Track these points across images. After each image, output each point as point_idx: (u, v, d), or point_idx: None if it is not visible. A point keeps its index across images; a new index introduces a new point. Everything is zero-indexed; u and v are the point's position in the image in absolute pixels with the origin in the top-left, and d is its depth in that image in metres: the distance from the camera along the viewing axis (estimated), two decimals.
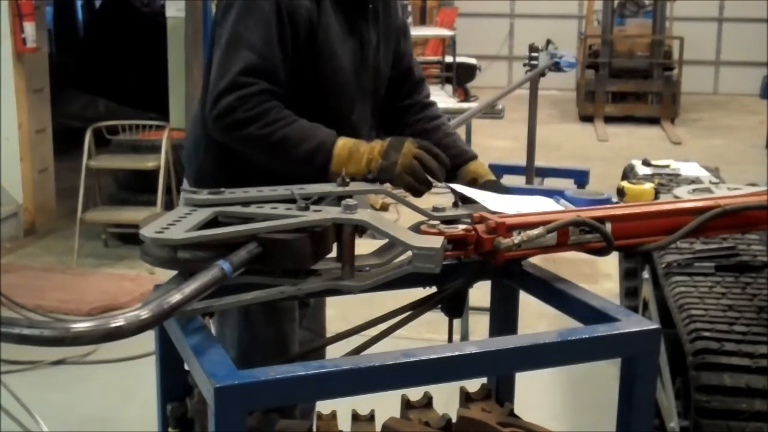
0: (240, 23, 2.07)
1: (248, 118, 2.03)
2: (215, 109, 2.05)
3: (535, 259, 1.95)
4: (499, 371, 1.95)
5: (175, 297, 1.46)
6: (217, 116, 2.05)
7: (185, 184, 2.29)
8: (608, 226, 1.87)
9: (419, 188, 2.04)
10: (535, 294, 1.94)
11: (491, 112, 10.56)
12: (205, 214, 1.69)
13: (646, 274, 3.45)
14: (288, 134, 2.04)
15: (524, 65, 5.10)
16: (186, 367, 1.73)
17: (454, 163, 2.27)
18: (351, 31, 2.20)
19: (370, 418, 1.95)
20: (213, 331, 2.28)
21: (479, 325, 4.16)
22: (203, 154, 2.26)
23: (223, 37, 2.09)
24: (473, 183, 2.24)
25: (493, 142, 9.29)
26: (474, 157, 2.35)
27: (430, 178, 2.06)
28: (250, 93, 2.03)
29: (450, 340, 4.04)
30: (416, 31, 11.62)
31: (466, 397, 1.99)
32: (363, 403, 1.78)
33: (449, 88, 9.86)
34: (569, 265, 4.06)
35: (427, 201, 1.92)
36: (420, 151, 2.02)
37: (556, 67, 4.96)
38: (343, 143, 2.05)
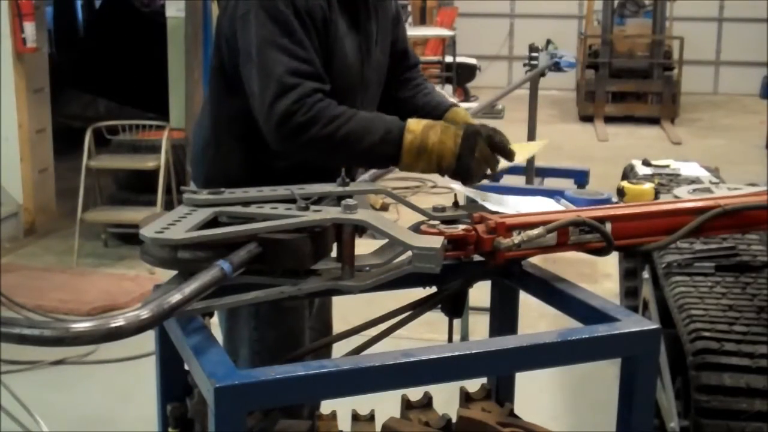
0: (264, 29, 2.03)
1: (308, 120, 1.98)
2: (273, 118, 1.99)
3: (535, 259, 1.95)
4: (499, 371, 1.95)
5: (175, 297, 1.46)
6: (277, 124, 1.99)
7: (192, 186, 2.28)
8: (608, 226, 1.87)
9: (480, 179, 2.09)
10: (535, 294, 1.94)
11: (491, 112, 10.56)
12: (205, 214, 1.69)
13: (646, 274, 3.45)
14: (351, 130, 2.01)
15: (524, 65, 5.10)
16: (186, 367, 1.73)
17: (434, 117, 2.34)
18: (355, 26, 2.20)
19: (370, 418, 1.95)
20: (221, 330, 2.28)
21: (479, 325, 4.16)
22: (212, 157, 2.25)
23: (251, 48, 2.05)
24: None
25: None
26: (450, 106, 2.40)
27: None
28: (303, 94, 1.99)
29: (450, 340, 4.04)
30: (416, 31, 11.62)
31: (466, 397, 1.99)
32: (363, 403, 1.78)
33: (449, 88, 9.88)
34: (569, 265, 4.06)
35: (427, 201, 1.92)
36: (490, 154, 2.04)
37: (556, 67, 4.96)
38: (411, 139, 2.01)
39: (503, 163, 2.12)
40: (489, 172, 2.07)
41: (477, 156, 2.00)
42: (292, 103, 1.98)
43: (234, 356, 2.21)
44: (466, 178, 2.04)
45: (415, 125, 2.04)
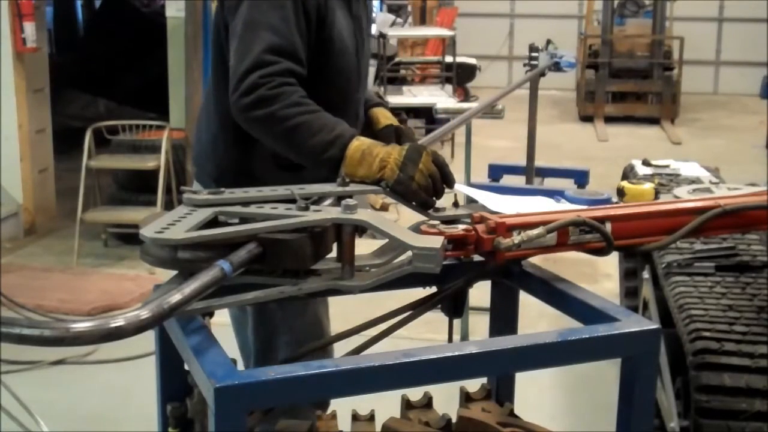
0: (254, 9, 2.06)
1: (272, 96, 1.99)
2: (239, 89, 2.01)
3: (535, 259, 1.95)
4: (499, 371, 1.95)
5: (175, 297, 1.45)
6: (241, 94, 2.01)
7: (195, 185, 2.28)
8: (608, 226, 1.87)
9: (429, 205, 1.94)
10: (535, 294, 1.94)
11: (491, 112, 10.54)
12: (205, 214, 1.69)
13: (646, 274, 3.45)
14: (308, 120, 2.00)
15: (524, 65, 5.10)
16: (186, 367, 1.73)
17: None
18: (350, 12, 2.25)
19: (370, 418, 1.95)
20: (235, 326, 2.31)
21: (479, 325, 4.16)
22: (224, 150, 2.25)
23: (237, 27, 2.08)
24: (374, 134, 2.31)
25: (493, 142, 9.30)
26: (374, 105, 2.41)
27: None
28: (274, 71, 2.00)
29: (450, 340, 4.03)
30: (416, 31, 11.64)
31: (466, 397, 1.99)
32: (363, 403, 1.78)
33: (449, 88, 9.86)
34: (569, 265, 4.06)
35: None
36: (436, 170, 1.94)
37: (556, 67, 4.97)
38: (357, 144, 1.98)
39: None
40: (433, 196, 1.93)
41: (421, 168, 1.91)
42: (260, 77, 1.99)
43: (266, 347, 2.25)
44: (406, 191, 1.90)
45: (366, 138, 2.02)
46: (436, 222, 1.84)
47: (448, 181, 1.96)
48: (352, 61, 2.25)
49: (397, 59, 10.70)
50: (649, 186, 2.35)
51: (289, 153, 2.06)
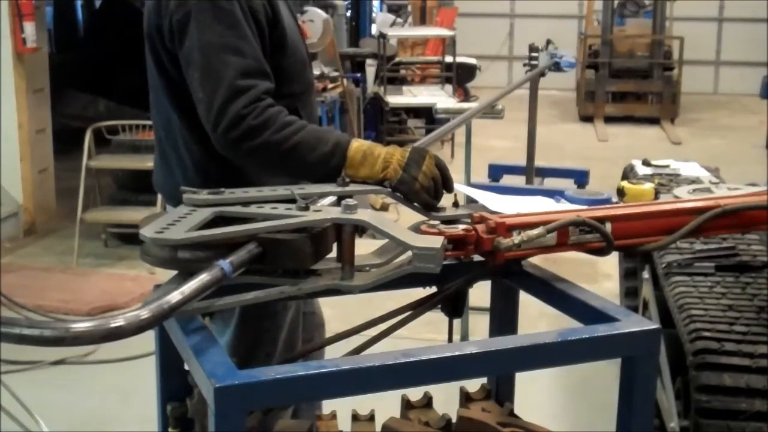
0: (206, 32, 1.99)
1: (260, 124, 1.95)
2: (222, 123, 1.95)
3: (535, 259, 1.95)
4: (499, 371, 1.95)
5: (175, 297, 1.46)
6: (226, 129, 1.95)
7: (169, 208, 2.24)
8: (608, 226, 1.87)
9: (433, 206, 1.95)
10: (535, 294, 1.94)
11: (491, 112, 10.51)
12: (205, 214, 1.69)
13: (646, 274, 3.45)
14: (303, 138, 1.97)
15: (524, 65, 5.11)
16: (186, 367, 1.73)
17: None
18: (288, 7, 2.26)
19: (370, 418, 1.95)
20: (230, 332, 2.29)
21: (479, 325, 4.16)
22: (216, 174, 2.13)
23: (194, 55, 2.00)
24: None
25: (493, 142, 9.30)
26: None
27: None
28: (254, 97, 1.96)
29: (450, 340, 4.04)
30: (416, 31, 11.63)
31: (466, 397, 1.99)
32: (363, 403, 1.78)
33: (449, 88, 9.86)
34: (569, 265, 4.06)
35: None
36: (438, 172, 1.95)
37: (556, 67, 4.97)
38: (357, 146, 1.97)
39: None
40: (434, 198, 1.94)
41: (424, 169, 1.91)
42: (242, 107, 1.94)
43: (245, 357, 2.23)
44: (409, 191, 1.91)
45: (364, 140, 2.01)
46: (436, 222, 1.84)
47: (448, 185, 1.96)
48: (303, 47, 2.26)
49: (397, 59, 10.70)
50: (649, 186, 2.35)
51: (289, 173, 2.03)
